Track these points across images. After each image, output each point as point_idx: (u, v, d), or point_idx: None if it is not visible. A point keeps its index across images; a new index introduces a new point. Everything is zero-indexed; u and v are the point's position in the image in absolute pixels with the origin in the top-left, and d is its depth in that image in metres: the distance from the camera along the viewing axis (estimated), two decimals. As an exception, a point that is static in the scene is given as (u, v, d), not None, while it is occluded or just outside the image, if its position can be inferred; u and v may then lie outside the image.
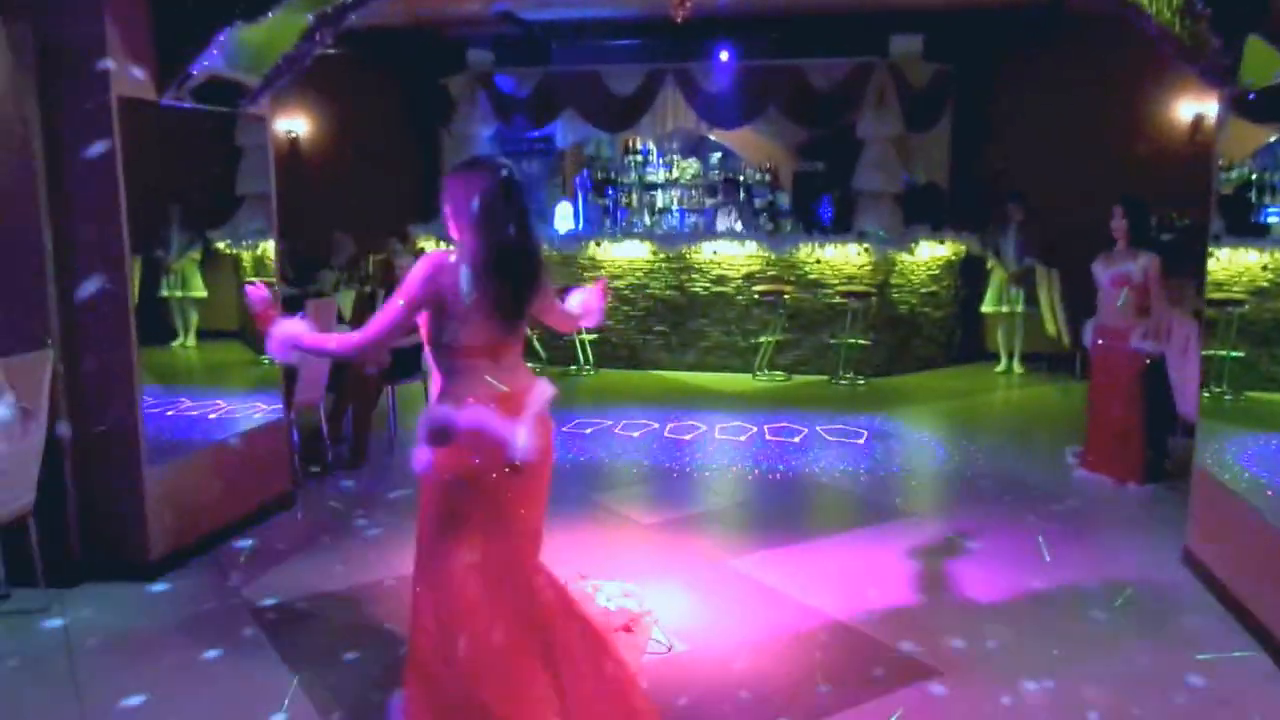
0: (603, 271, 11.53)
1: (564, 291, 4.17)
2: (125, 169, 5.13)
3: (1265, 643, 4.61)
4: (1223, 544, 5.27)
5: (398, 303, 3.35)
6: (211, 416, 6.89)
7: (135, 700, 4.21)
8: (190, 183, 7.29)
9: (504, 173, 3.42)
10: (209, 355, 8.30)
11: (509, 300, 3.39)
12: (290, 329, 3.57)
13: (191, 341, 8.22)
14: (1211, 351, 6.37)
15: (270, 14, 4.92)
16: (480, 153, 12.04)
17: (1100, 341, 7.33)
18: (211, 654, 4.62)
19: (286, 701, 4.14)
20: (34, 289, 5.13)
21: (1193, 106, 11.15)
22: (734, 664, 4.47)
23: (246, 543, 6.03)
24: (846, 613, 5.02)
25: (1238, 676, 4.41)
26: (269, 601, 5.20)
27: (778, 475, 7.42)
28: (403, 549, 5.86)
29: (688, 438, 8.48)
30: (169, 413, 6.29)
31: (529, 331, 11.04)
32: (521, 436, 3.37)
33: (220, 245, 8.19)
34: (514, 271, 3.38)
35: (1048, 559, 5.69)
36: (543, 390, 3.53)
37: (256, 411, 6.71)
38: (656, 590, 5.13)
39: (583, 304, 4.07)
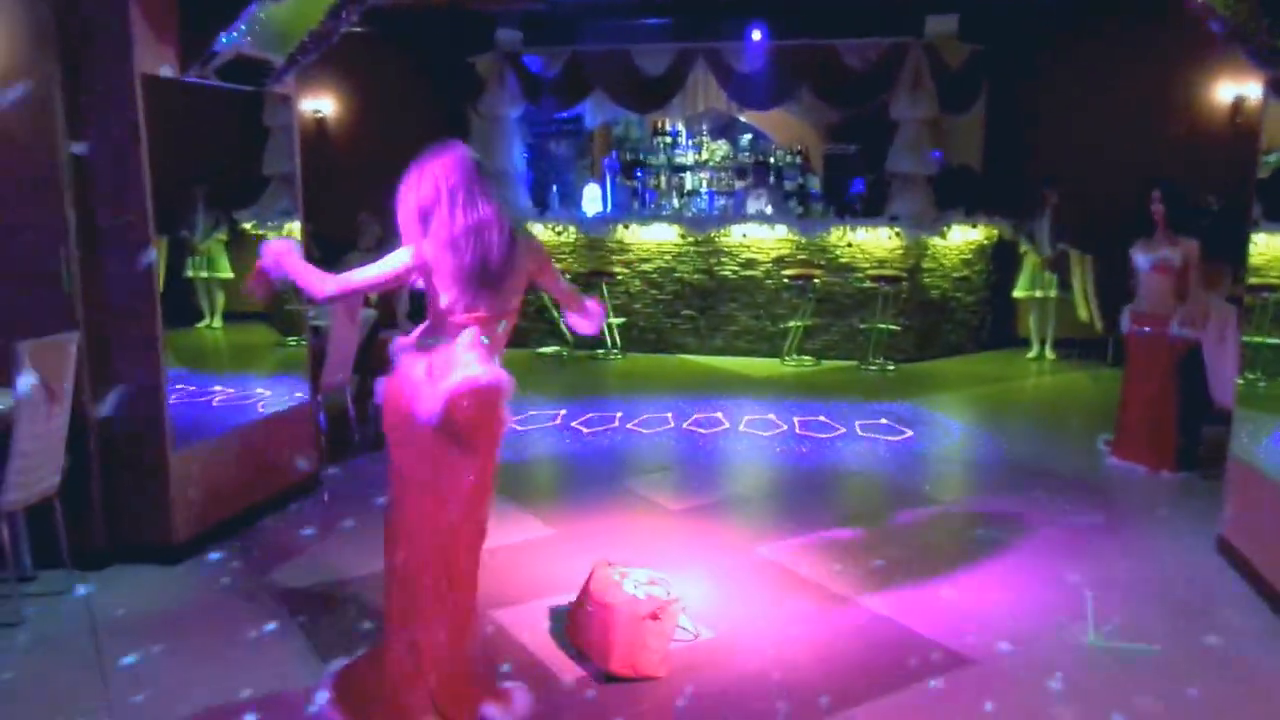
0: (631, 254, 11.46)
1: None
2: (150, 148, 5.09)
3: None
4: (1258, 532, 5.18)
5: (396, 261, 3.64)
6: (236, 399, 6.88)
7: (159, 683, 4.20)
8: (217, 163, 7.27)
9: (473, 154, 3.70)
10: (235, 337, 8.30)
11: (479, 272, 3.58)
12: (289, 249, 3.70)
13: (218, 323, 8.21)
14: (1249, 338, 6.24)
15: (296, -9, 4.86)
16: (504, 134, 12.01)
17: (1137, 327, 7.21)
18: (237, 638, 4.60)
19: (315, 687, 4.11)
20: (58, 270, 5.10)
21: (1232, 88, 10.91)
22: (762, 651, 4.42)
23: (272, 526, 6.01)
24: (876, 601, 4.95)
25: (1271, 666, 4.33)
26: (295, 585, 5.17)
27: (806, 462, 7.34)
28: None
29: (716, 426, 8.41)
30: (195, 395, 6.28)
31: (555, 314, 11.14)
32: (427, 399, 3.59)
33: (246, 226, 8.16)
34: (485, 244, 3.57)
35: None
36: (483, 374, 3.64)
37: (282, 394, 6.69)
38: (684, 577, 5.07)
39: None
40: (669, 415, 8.59)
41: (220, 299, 8.18)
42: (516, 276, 3.71)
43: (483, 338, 3.67)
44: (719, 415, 8.60)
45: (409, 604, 3.75)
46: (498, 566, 5.40)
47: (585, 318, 4.14)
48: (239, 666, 4.35)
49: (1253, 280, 6.65)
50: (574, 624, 4.53)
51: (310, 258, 6.77)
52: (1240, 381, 5.78)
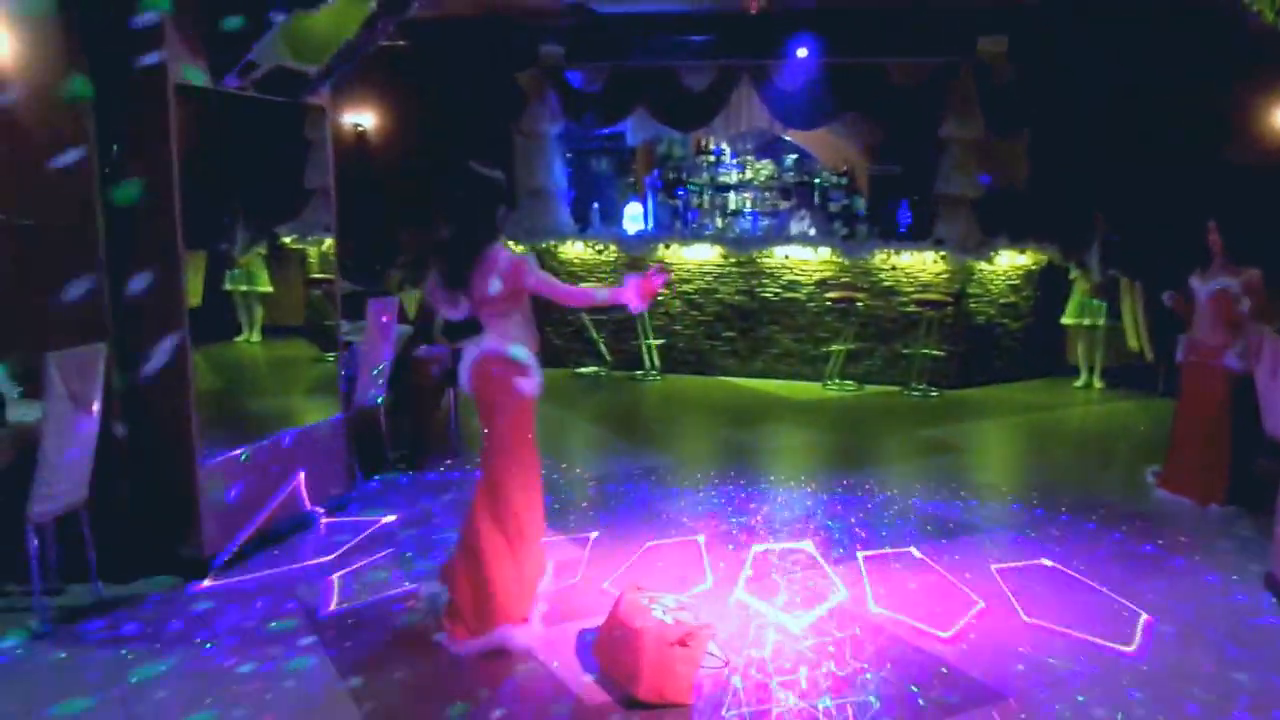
0: (672, 274, 11.33)
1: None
2: (182, 160, 5.05)
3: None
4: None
5: None
6: (270, 413, 6.85)
7: (182, 696, 4.14)
8: (258, 176, 7.25)
9: (478, 171, 4.73)
10: (273, 351, 8.28)
11: (451, 274, 4.59)
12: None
13: (256, 337, 8.19)
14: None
15: (330, 1, 4.81)
16: (545, 151, 11.98)
17: (1192, 358, 7.03)
18: (261, 654, 4.53)
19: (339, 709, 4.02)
20: (88, 283, 5.09)
21: (1291, 113, 10.64)
22: (793, 682, 4.27)
23: (302, 541, 5.96)
24: (915, 630, 4.82)
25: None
26: (321, 601, 5.12)
27: (846, 482, 7.19)
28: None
29: (754, 449, 8.27)
30: (226, 408, 6.26)
31: (594, 335, 11.08)
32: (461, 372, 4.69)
33: (286, 240, 8.14)
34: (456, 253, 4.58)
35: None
36: (482, 347, 4.62)
37: (316, 408, 6.65)
38: (713, 603, 4.96)
39: (630, 284, 4.62)
40: (706, 440, 8.44)
41: (259, 313, 8.15)
42: (483, 282, 4.53)
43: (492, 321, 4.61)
44: (758, 440, 8.45)
45: (488, 527, 4.62)
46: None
47: (619, 298, 4.63)
48: (262, 682, 4.28)
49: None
50: (602, 648, 4.42)
51: (344, 269, 6.75)
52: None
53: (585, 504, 6.78)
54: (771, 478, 7.44)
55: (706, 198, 12.83)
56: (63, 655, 4.52)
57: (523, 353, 4.59)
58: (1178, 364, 7.30)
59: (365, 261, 10.21)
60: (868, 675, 4.37)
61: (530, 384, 4.62)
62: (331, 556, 5.74)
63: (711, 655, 4.39)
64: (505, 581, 4.61)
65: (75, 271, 5.08)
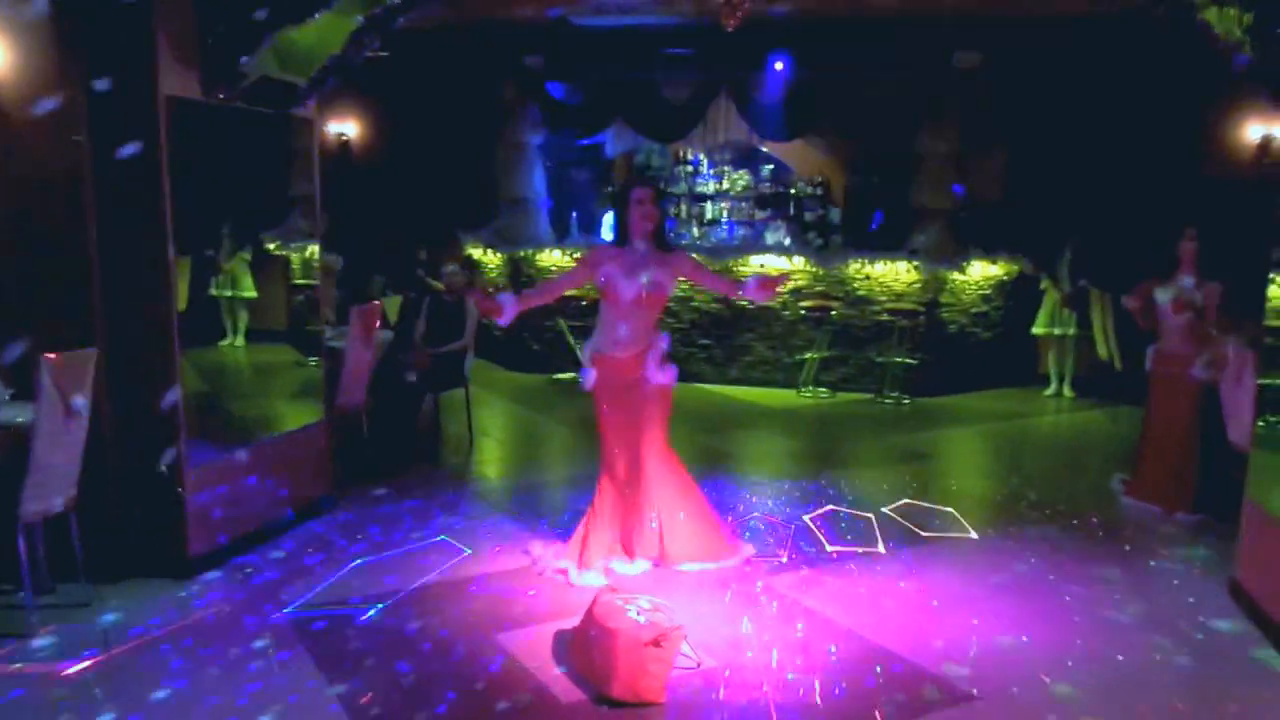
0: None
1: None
2: (172, 169, 5.17)
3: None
4: (1272, 576, 5.13)
5: None
6: (254, 416, 6.94)
7: (168, 698, 4.23)
8: (244, 183, 7.34)
9: None
10: (257, 356, 8.35)
11: None
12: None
13: (240, 342, 8.26)
14: (1269, 380, 6.20)
15: (318, 15, 4.93)
16: (526, 160, 12.12)
17: (1161, 368, 7.19)
18: (246, 655, 4.62)
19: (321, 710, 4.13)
20: (79, 287, 5.19)
21: (1260, 128, 10.85)
22: (764, 680, 4.41)
23: (286, 544, 6.06)
24: (882, 634, 4.94)
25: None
26: (305, 604, 5.21)
27: (816, 486, 7.35)
28: (441, 556, 5.90)
29: (728, 454, 8.41)
30: (211, 411, 6.34)
31: (572, 342, 11.20)
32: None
33: (271, 246, 8.23)
34: None
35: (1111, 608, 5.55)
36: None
37: (299, 413, 6.75)
38: (686, 605, 5.07)
39: (753, 282, 5.75)
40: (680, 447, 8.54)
41: (244, 318, 8.23)
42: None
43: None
44: (730, 441, 8.56)
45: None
46: (503, 590, 5.45)
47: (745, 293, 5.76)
48: (247, 683, 4.36)
49: (1274, 322, 6.60)
50: (577, 649, 4.54)
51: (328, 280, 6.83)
52: (1261, 424, 5.73)
53: (563, 508, 6.89)
54: (744, 482, 7.57)
55: (684, 207, 13.00)
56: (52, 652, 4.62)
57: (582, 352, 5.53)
58: (1147, 373, 7.44)
59: (348, 267, 10.31)
60: (823, 679, 4.51)
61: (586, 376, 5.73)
62: (314, 558, 5.84)
63: (685, 656, 4.52)
64: (588, 531, 5.66)
65: (67, 276, 5.17)
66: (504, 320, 5.61)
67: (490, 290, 5.34)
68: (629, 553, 5.74)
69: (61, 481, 4.90)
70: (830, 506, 7.00)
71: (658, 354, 5.60)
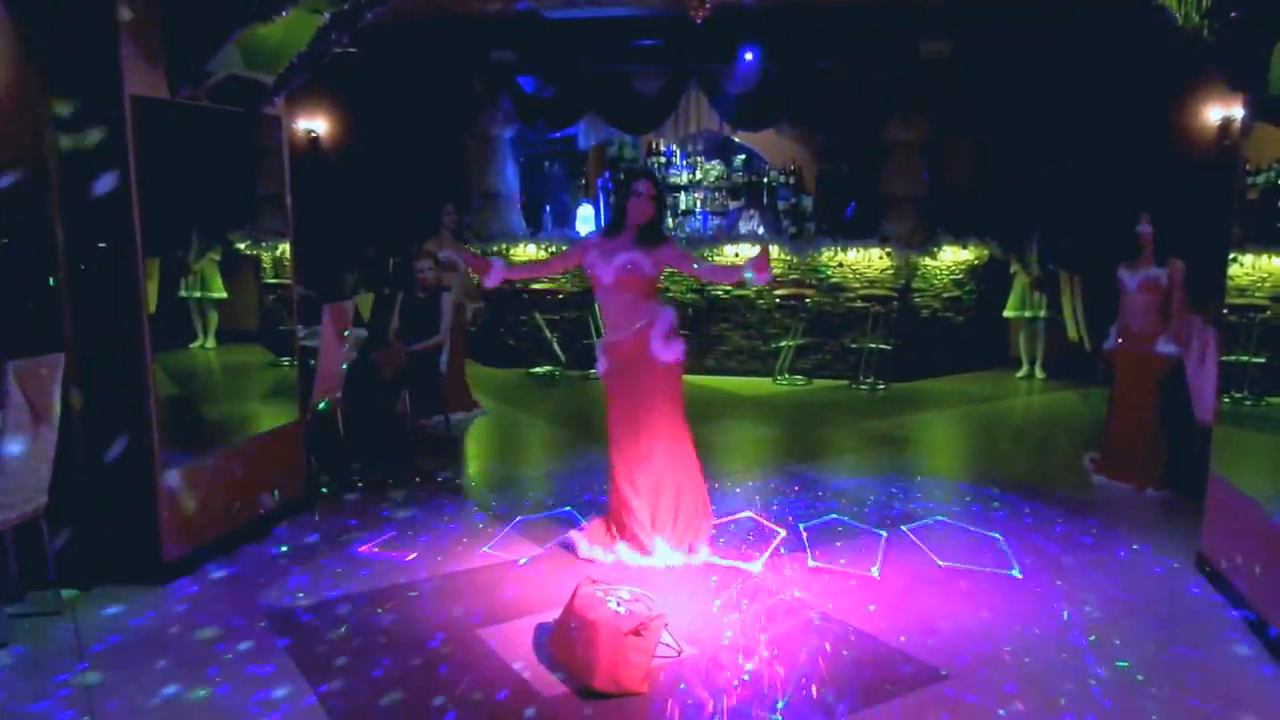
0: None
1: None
2: (140, 168, 5.13)
3: (1275, 650, 4.60)
4: (1235, 549, 5.23)
5: None
6: (227, 418, 6.91)
7: (142, 703, 4.22)
8: (212, 183, 7.29)
9: None
10: (228, 357, 8.31)
11: None
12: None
13: (211, 343, 8.21)
14: (1233, 357, 6.29)
15: (284, 12, 4.91)
16: (498, 155, 12.08)
17: (1124, 345, 7.27)
18: (223, 658, 4.61)
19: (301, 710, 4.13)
20: (46, 291, 5.14)
21: (1220, 110, 10.98)
22: (744, 668, 4.44)
23: (262, 545, 6.04)
24: (855, 615, 5.00)
25: (1243, 680, 4.38)
26: (284, 605, 5.20)
27: (793, 471, 7.39)
28: (420, 553, 5.90)
29: (706, 443, 8.42)
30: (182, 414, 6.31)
31: (547, 335, 11.21)
32: None
33: (241, 246, 8.18)
34: None
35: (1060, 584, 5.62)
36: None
37: (273, 413, 6.72)
38: (666, 593, 5.09)
39: (750, 264, 5.37)
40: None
41: (214, 319, 8.18)
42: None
43: None
44: (710, 432, 8.61)
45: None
46: (483, 585, 5.46)
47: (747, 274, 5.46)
48: (224, 686, 4.36)
49: (1237, 300, 6.72)
50: (558, 641, 4.56)
51: (300, 278, 6.83)
52: (1226, 400, 5.82)
53: (543, 498, 6.90)
54: (723, 469, 7.60)
55: (657, 198, 12.96)
56: (22, 660, 4.60)
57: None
58: (1107, 350, 7.54)
59: (320, 266, 10.27)
60: (799, 661, 4.55)
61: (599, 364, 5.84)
62: (291, 559, 5.83)
63: (665, 645, 4.54)
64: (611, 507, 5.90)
65: (34, 279, 5.13)
66: (490, 282, 5.81)
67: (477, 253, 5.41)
68: (634, 540, 5.75)
69: (31, 489, 4.86)
70: (806, 489, 7.04)
71: (661, 330, 5.64)
